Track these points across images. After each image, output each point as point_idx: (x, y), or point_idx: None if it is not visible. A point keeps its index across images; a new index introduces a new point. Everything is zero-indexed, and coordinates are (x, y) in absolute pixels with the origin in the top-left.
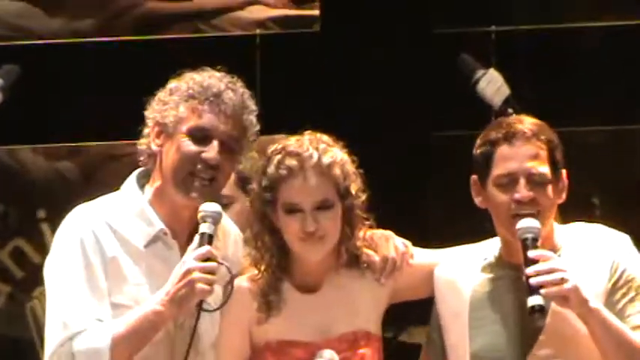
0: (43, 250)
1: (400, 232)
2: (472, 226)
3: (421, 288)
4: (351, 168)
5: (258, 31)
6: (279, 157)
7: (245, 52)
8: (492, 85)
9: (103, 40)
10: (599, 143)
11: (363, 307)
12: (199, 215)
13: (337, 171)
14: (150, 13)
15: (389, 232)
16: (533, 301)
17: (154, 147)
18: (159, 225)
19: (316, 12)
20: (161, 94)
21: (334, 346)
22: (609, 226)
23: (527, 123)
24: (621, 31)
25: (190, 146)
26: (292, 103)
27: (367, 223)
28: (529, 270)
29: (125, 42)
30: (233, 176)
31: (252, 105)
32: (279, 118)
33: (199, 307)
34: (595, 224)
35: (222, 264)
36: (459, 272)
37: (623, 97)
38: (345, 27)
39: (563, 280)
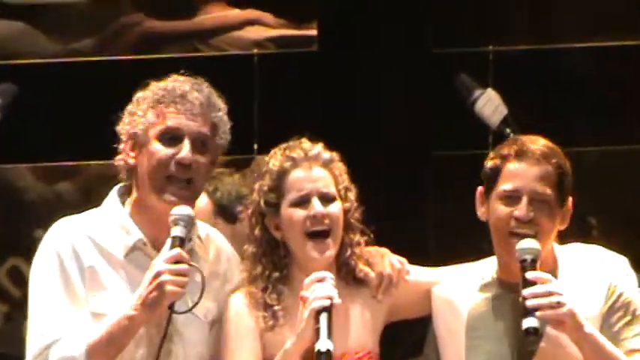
0: None
1: (398, 251)
2: (470, 246)
3: (418, 306)
4: (347, 175)
5: (255, 50)
6: (279, 152)
7: (243, 71)
8: (490, 104)
9: (102, 60)
10: (597, 163)
11: (360, 324)
12: (170, 219)
13: (336, 169)
14: (148, 33)
15: (384, 250)
16: (529, 323)
17: (129, 161)
18: (137, 235)
19: (314, 32)
20: (129, 107)
21: None
22: (606, 246)
23: (540, 144)
24: (619, 51)
25: (162, 150)
26: (290, 123)
27: (365, 237)
28: (526, 292)
29: (123, 61)
30: (210, 206)
31: (219, 103)
32: (276, 137)
33: (171, 309)
34: (593, 245)
35: (192, 266)
36: (457, 291)
37: (621, 116)
38: (343, 47)
39: (559, 304)
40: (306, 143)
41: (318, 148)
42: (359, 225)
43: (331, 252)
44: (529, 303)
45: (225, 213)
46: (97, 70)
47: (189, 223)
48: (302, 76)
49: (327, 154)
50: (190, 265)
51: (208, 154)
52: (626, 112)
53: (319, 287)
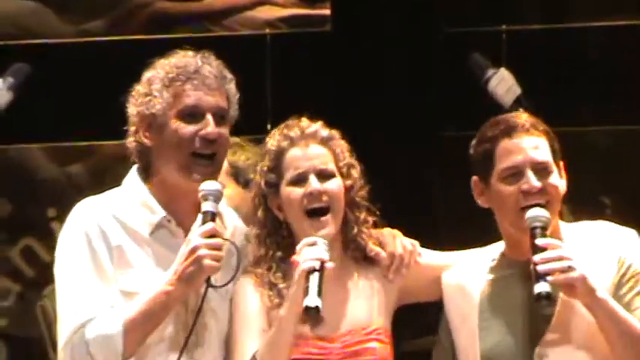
0: (53, 249)
1: (408, 233)
2: (479, 228)
3: (429, 290)
4: (349, 152)
5: (268, 30)
6: (278, 132)
7: (255, 51)
8: (503, 84)
9: (114, 40)
10: (610, 142)
11: (371, 301)
12: (200, 194)
13: (336, 147)
14: (160, 13)
15: (396, 231)
16: (540, 288)
17: (145, 142)
18: (161, 213)
19: (327, 11)
20: (140, 88)
21: (343, 340)
22: (620, 225)
23: (522, 117)
24: (632, 30)
25: (186, 128)
26: (302, 103)
27: (372, 216)
28: (537, 257)
29: (135, 41)
30: (225, 166)
31: (229, 74)
32: (288, 117)
33: (207, 283)
34: (601, 221)
35: (227, 240)
36: (467, 276)
37: (635, 96)
38: (356, 26)
39: (570, 269)
40: (304, 121)
41: (316, 125)
42: (364, 203)
43: (330, 229)
44: (540, 268)
45: (238, 175)
46: (108, 51)
47: (219, 197)
48: (315, 56)
49: (325, 132)
50: (224, 239)
51: (228, 125)
52: None
53: (309, 250)
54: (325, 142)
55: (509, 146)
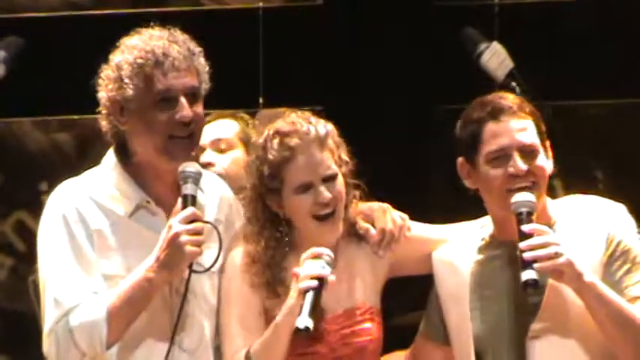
0: None
1: (402, 207)
2: (475, 200)
3: (419, 263)
4: (338, 136)
5: (260, 4)
6: (276, 140)
7: (248, 25)
8: (496, 58)
9: (103, 13)
10: (603, 116)
11: (363, 280)
12: (180, 177)
13: (331, 141)
14: None
15: (386, 205)
16: (527, 275)
17: (120, 127)
18: (140, 194)
19: None
20: (109, 73)
21: (339, 321)
22: (612, 199)
23: (509, 98)
24: (626, 3)
25: (160, 115)
26: (294, 76)
27: (358, 191)
28: (523, 244)
29: (125, 15)
30: (238, 128)
31: (196, 47)
32: (281, 91)
33: (190, 269)
34: (590, 195)
35: (207, 223)
36: (457, 254)
37: (627, 70)
38: (348, 0)
39: (557, 255)
40: (300, 125)
41: (312, 127)
42: (353, 181)
43: (337, 233)
44: (526, 255)
45: (248, 144)
46: (97, 24)
47: (198, 179)
48: (307, 29)
49: (322, 131)
50: (205, 222)
51: (201, 101)
52: (634, 65)
53: (311, 266)
54: (324, 143)
55: (496, 129)
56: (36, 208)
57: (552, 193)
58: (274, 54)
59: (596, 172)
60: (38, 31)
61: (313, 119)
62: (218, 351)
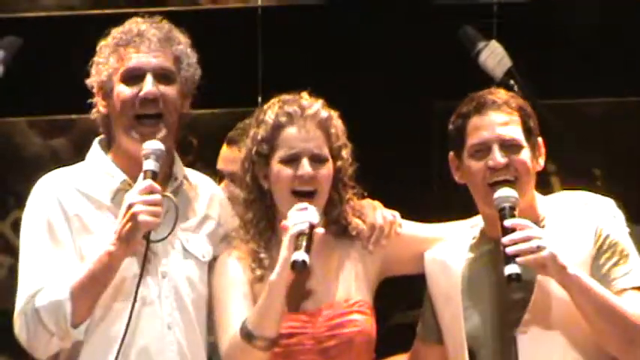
0: None
1: (401, 205)
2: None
3: (412, 261)
4: (343, 133)
5: (260, 2)
6: (277, 105)
7: (246, 24)
8: (494, 56)
9: (100, 13)
10: (601, 114)
11: (353, 275)
12: (142, 153)
13: (332, 128)
14: None
15: (376, 202)
16: (510, 269)
17: (102, 110)
18: (121, 177)
19: None
20: (94, 58)
21: (327, 313)
22: (611, 197)
23: (497, 94)
24: (625, 2)
25: (126, 91)
26: (294, 76)
27: (356, 192)
28: (505, 239)
29: (123, 15)
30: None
31: (181, 38)
32: (280, 91)
33: (146, 239)
34: (578, 191)
35: (165, 196)
36: (449, 253)
37: (627, 68)
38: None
39: (539, 248)
40: (305, 99)
41: (317, 106)
42: (351, 182)
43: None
44: (508, 250)
45: None
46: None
47: (160, 156)
48: (306, 28)
49: (324, 113)
50: (163, 195)
51: (175, 86)
52: (633, 64)
53: (299, 214)
54: (323, 123)
55: (478, 123)
56: None
57: (550, 191)
58: (273, 53)
59: (594, 170)
60: (35, 30)
61: (321, 102)
62: (212, 347)
